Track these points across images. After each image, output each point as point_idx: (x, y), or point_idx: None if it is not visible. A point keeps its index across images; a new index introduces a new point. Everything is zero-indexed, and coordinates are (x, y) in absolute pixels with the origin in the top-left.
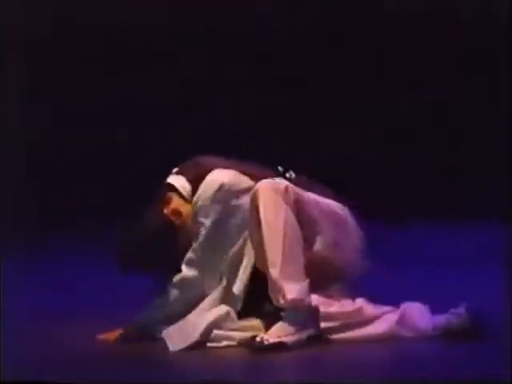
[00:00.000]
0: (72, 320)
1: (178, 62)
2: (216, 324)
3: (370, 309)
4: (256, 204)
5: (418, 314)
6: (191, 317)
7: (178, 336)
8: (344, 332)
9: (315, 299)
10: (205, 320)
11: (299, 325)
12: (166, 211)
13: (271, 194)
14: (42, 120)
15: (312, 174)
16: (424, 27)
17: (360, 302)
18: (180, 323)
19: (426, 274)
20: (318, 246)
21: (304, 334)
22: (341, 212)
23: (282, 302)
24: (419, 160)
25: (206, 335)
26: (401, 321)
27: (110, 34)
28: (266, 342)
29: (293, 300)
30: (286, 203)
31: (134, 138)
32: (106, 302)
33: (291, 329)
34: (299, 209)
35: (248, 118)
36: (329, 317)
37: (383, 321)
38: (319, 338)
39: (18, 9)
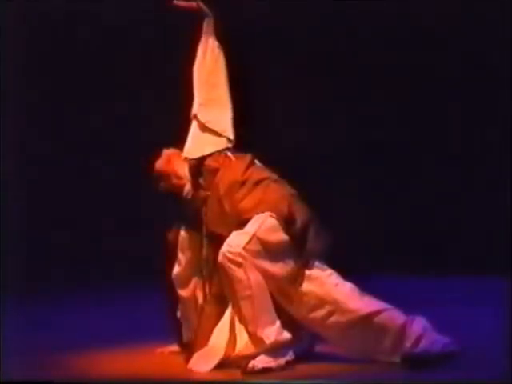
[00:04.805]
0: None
1: None
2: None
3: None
4: (224, 273)
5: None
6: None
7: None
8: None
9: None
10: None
11: (279, 354)
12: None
13: (231, 266)
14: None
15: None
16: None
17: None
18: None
19: None
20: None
21: (283, 360)
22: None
23: (263, 347)
24: None
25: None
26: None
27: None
28: (256, 368)
29: (271, 343)
30: (246, 263)
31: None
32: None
33: (273, 358)
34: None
35: None
36: None
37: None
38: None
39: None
